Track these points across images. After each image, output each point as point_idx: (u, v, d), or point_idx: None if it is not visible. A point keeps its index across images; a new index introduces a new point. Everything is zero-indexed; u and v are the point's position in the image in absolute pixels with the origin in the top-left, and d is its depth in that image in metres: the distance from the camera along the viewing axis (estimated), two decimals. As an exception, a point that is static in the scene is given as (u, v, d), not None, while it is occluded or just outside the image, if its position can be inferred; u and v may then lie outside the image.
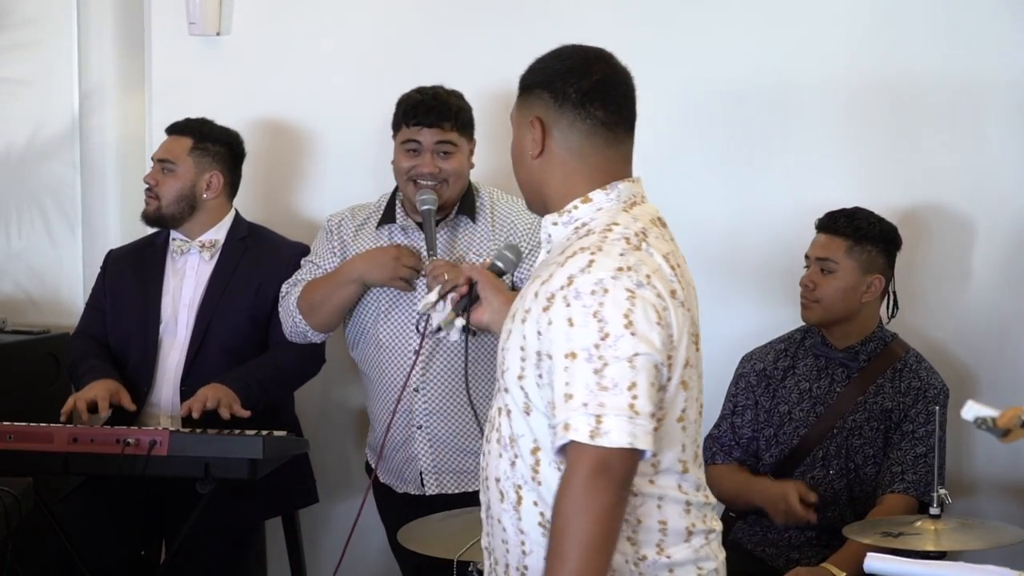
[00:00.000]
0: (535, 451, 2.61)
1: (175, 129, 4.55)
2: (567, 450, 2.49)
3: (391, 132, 4.18)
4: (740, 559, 4.17)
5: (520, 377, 2.61)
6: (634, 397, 2.48)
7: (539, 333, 2.56)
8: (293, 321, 4.15)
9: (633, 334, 2.49)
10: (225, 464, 3.95)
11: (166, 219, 4.50)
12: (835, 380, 4.18)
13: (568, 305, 2.51)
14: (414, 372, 4.00)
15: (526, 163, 2.71)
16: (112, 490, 4.30)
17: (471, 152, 4.16)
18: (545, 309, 2.55)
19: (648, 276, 2.55)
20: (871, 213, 4.21)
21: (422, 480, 4.11)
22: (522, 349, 2.60)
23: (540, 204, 2.74)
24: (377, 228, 4.17)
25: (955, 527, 3.65)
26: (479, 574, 3.50)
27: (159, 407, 4.40)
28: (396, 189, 4.20)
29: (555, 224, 2.70)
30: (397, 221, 4.17)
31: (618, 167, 2.71)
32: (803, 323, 4.28)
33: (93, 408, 4.20)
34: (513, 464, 2.64)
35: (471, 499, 3.87)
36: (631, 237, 2.60)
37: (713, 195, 4.68)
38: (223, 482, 3.97)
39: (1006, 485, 4.54)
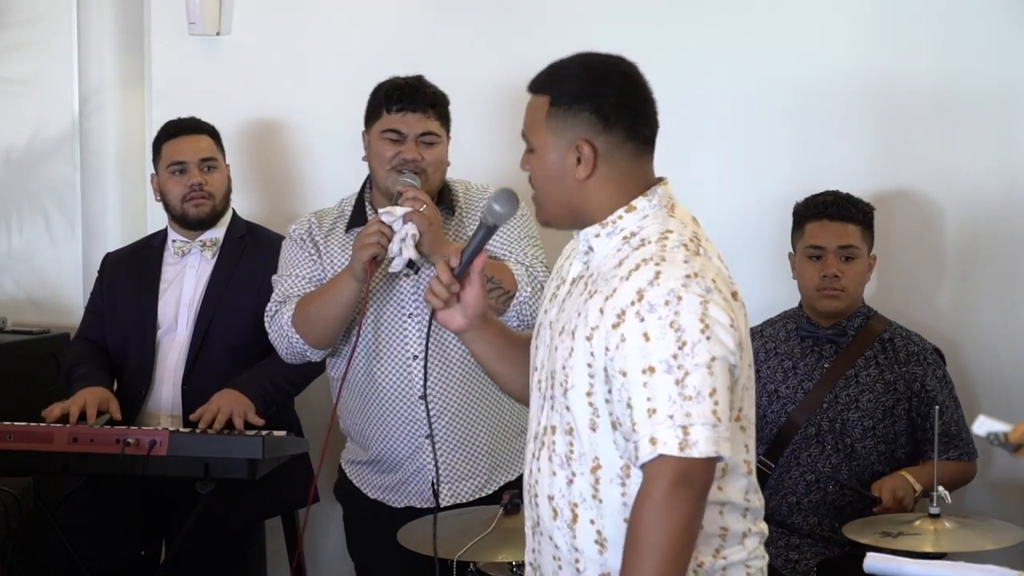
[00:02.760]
0: (595, 469, 2.59)
1: (191, 128, 4.52)
2: (651, 463, 2.48)
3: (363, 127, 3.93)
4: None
5: (589, 394, 2.58)
6: (716, 403, 2.48)
7: (607, 350, 2.53)
8: (289, 342, 3.80)
9: (708, 338, 2.49)
10: (224, 464, 3.95)
11: (217, 217, 4.50)
12: (823, 356, 4.20)
13: (642, 320, 2.49)
14: (416, 379, 3.83)
15: (567, 184, 2.64)
16: (112, 490, 4.30)
17: (447, 147, 3.92)
18: (615, 326, 2.52)
19: (713, 281, 2.54)
20: (850, 195, 4.23)
21: (435, 491, 3.92)
22: (589, 366, 2.57)
23: (571, 220, 2.68)
24: (347, 232, 3.88)
25: (955, 527, 3.65)
26: (479, 574, 3.50)
27: (159, 407, 4.39)
28: (362, 191, 3.95)
29: (597, 236, 2.65)
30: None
31: (651, 174, 2.69)
32: (779, 311, 4.35)
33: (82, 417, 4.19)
34: (571, 482, 2.62)
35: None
36: (688, 243, 2.58)
37: (693, 184, 4.70)
38: (223, 482, 3.97)
39: (1006, 485, 4.55)
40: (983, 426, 2.42)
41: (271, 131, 4.99)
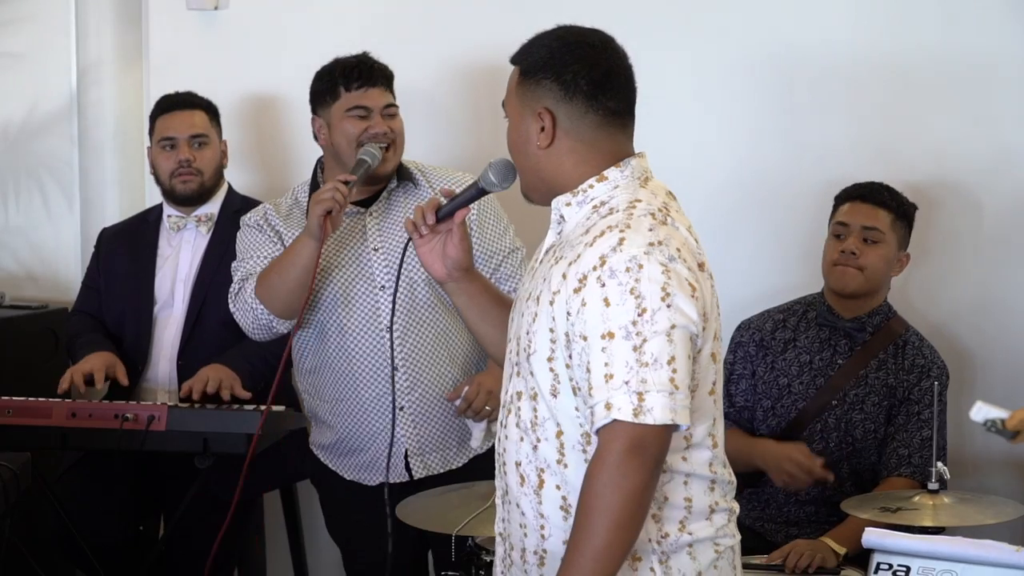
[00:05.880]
0: (559, 435, 2.60)
1: (184, 104, 4.53)
2: (605, 428, 2.49)
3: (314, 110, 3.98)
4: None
5: (550, 359, 2.59)
6: (674, 371, 2.49)
7: (569, 314, 2.55)
8: (255, 315, 3.84)
9: (669, 306, 2.50)
10: (223, 439, 3.95)
11: (206, 193, 4.50)
12: (838, 352, 4.17)
13: (603, 285, 2.51)
14: (393, 350, 3.88)
15: (531, 152, 2.68)
16: (110, 465, 4.31)
17: None
18: (577, 290, 2.54)
19: (678, 250, 2.55)
20: (892, 187, 4.21)
21: (407, 464, 3.97)
22: (551, 331, 2.58)
23: (544, 191, 2.71)
24: (307, 216, 3.89)
25: (954, 502, 3.65)
26: (475, 547, 3.50)
27: (156, 382, 4.40)
28: (315, 175, 4.01)
29: (568, 205, 2.67)
30: None
31: (625, 147, 2.70)
32: (804, 294, 4.30)
33: (90, 381, 4.20)
34: (536, 448, 2.63)
35: (455, 478, 3.86)
36: (656, 212, 2.60)
37: (714, 162, 4.69)
38: (221, 457, 3.97)
39: (1005, 461, 4.55)
40: (980, 412, 2.41)
41: (268, 106, 4.98)
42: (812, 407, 4.13)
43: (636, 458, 2.47)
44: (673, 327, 2.49)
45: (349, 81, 3.91)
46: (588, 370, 2.51)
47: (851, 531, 3.78)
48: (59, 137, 5.19)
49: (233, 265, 3.97)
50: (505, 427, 2.69)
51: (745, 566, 3.78)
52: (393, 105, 3.95)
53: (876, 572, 3.25)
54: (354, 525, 4.02)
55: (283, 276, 3.77)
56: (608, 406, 2.48)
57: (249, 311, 3.85)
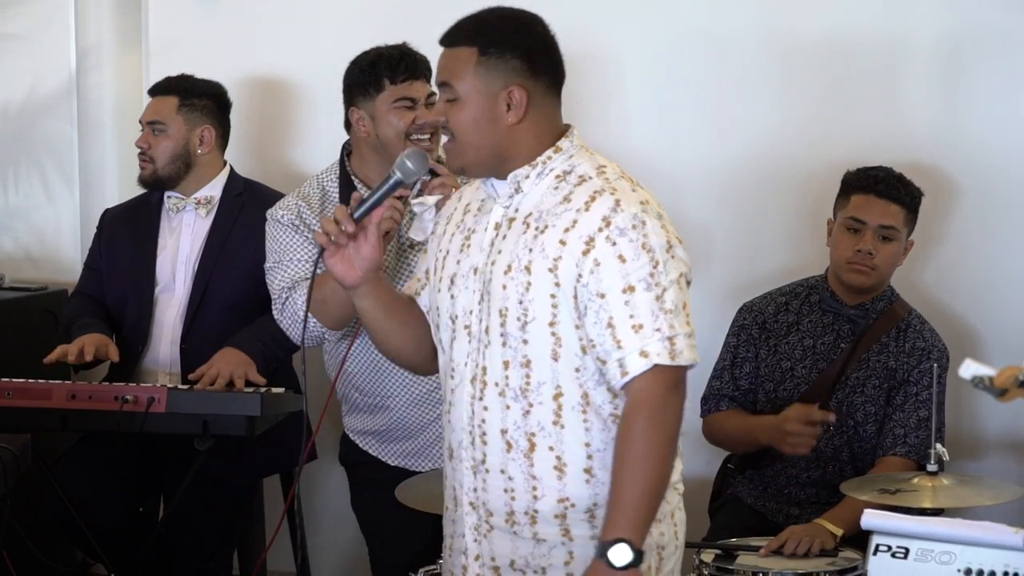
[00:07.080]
0: (557, 396, 2.71)
1: (159, 89, 4.54)
2: (643, 375, 2.64)
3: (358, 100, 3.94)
4: (740, 513, 4.17)
5: (552, 323, 2.70)
6: (687, 315, 2.70)
7: (580, 276, 2.66)
8: (307, 327, 3.74)
9: (673, 257, 2.69)
10: (223, 421, 3.96)
11: (163, 181, 4.48)
12: (840, 336, 4.16)
13: (614, 244, 2.65)
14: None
15: (497, 128, 2.75)
16: (110, 447, 4.31)
17: None
18: (585, 252, 2.66)
19: (659, 206, 2.73)
20: (903, 175, 4.20)
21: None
22: (553, 296, 2.69)
23: (496, 165, 2.78)
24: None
25: (952, 484, 3.65)
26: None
27: (157, 364, 4.40)
28: (342, 163, 3.98)
29: (527, 177, 2.76)
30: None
31: (561, 118, 2.84)
32: (801, 276, 4.30)
33: (80, 358, 4.21)
34: (527, 413, 2.72)
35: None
36: (624, 175, 2.76)
37: (714, 145, 4.69)
38: (221, 439, 3.97)
39: (1004, 443, 4.55)
40: (968, 369, 2.43)
41: (268, 88, 4.98)
42: (814, 391, 4.12)
43: (675, 397, 2.67)
44: (680, 275, 2.69)
45: (395, 74, 3.90)
46: (610, 325, 2.64)
47: (847, 512, 3.79)
48: (59, 119, 5.19)
49: (267, 266, 3.88)
50: (482, 399, 2.76)
51: (744, 548, 3.80)
52: (434, 94, 3.91)
53: (875, 554, 3.25)
54: (382, 504, 3.99)
55: (337, 291, 3.51)
56: (644, 354, 2.63)
57: (300, 323, 3.75)
